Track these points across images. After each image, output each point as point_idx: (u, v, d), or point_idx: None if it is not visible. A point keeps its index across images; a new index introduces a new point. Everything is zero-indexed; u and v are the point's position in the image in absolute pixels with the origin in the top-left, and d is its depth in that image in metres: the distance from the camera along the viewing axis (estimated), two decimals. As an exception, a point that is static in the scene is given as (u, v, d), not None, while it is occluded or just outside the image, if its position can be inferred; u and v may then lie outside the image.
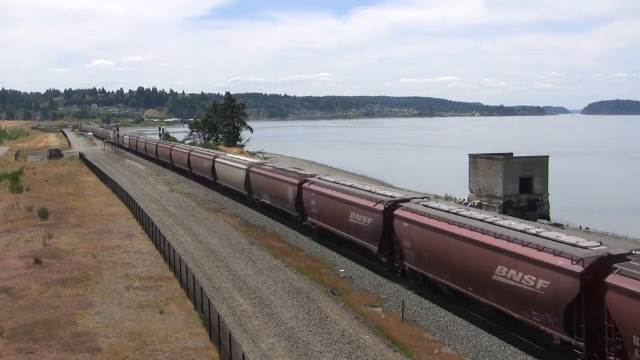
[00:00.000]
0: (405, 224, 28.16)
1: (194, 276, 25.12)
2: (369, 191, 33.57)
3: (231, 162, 59.54)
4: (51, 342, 20.92)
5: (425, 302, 26.71)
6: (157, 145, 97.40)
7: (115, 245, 36.14)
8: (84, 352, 20.08)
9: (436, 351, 21.04)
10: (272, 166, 51.17)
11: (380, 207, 30.50)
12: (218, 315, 20.00)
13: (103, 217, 45.96)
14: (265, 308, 24.92)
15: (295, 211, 42.18)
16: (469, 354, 21.15)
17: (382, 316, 24.61)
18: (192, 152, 75.23)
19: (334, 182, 38.27)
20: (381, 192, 33.30)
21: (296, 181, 41.83)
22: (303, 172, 44.59)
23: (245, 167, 53.73)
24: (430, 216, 26.61)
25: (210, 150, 79.36)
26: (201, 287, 23.29)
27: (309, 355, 20.15)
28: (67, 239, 37.62)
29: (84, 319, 23.34)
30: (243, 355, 16.58)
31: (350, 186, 36.17)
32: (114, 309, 24.61)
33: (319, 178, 40.79)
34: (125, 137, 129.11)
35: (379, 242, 30.68)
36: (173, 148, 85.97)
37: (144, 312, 24.19)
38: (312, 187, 39.45)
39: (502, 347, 21.58)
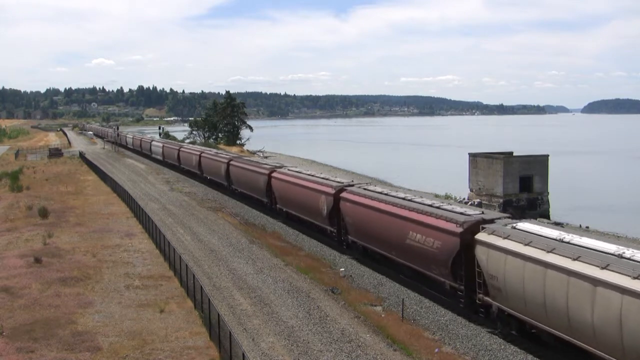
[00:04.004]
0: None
1: (194, 275, 25.12)
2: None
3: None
4: (51, 341, 20.92)
5: (426, 301, 26.69)
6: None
7: (116, 244, 36.15)
8: (84, 351, 20.08)
9: (436, 350, 21.02)
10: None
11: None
12: (218, 314, 20.01)
13: (103, 216, 45.97)
14: (265, 307, 24.92)
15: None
16: (469, 353, 21.14)
17: (382, 315, 24.59)
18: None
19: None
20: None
21: (332, 191, 35.93)
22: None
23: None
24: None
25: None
26: (201, 286, 23.29)
27: (309, 354, 20.15)
28: (67, 238, 37.62)
29: (84, 318, 23.34)
30: (243, 355, 16.57)
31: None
32: (114, 308, 24.62)
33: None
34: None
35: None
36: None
37: (144, 311, 24.19)
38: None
39: (502, 346, 21.57)
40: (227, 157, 61.34)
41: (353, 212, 33.24)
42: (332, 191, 35.90)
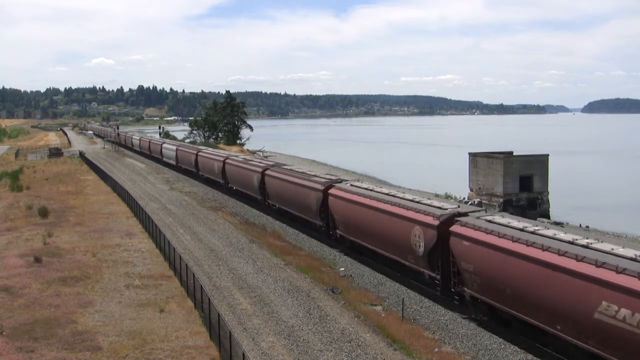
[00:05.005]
0: None
1: (194, 275, 25.12)
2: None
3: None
4: (51, 340, 20.92)
5: (426, 300, 26.68)
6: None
7: (116, 243, 36.14)
8: (84, 351, 20.09)
9: (436, 350, 21.01)
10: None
11: None
12: (218, 313, 20.01)
13: (103, 215, 45.97)
14: (265, 307, 24.92)
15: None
16: (469, 353, 21.13)
17: (382, 315, 24.58)
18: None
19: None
20: None
21: (435, 222, 25.66)
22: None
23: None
24: None
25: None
26: (201, 286, 23.30)
27: (309, 354, 20.15)
28: (67, 238, 37.62)
29: (84, 318, 23.34)
30: (243, 354, 16.57)
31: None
32: (114, 307, 24.62)
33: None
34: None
35: None
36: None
37: (144, 310, 24.20)
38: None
39: (502, 346, 21.57)
40: (262, 165, 50.63)
41: (476, 256, 23.11)
42: (435, 222, 25.51)
